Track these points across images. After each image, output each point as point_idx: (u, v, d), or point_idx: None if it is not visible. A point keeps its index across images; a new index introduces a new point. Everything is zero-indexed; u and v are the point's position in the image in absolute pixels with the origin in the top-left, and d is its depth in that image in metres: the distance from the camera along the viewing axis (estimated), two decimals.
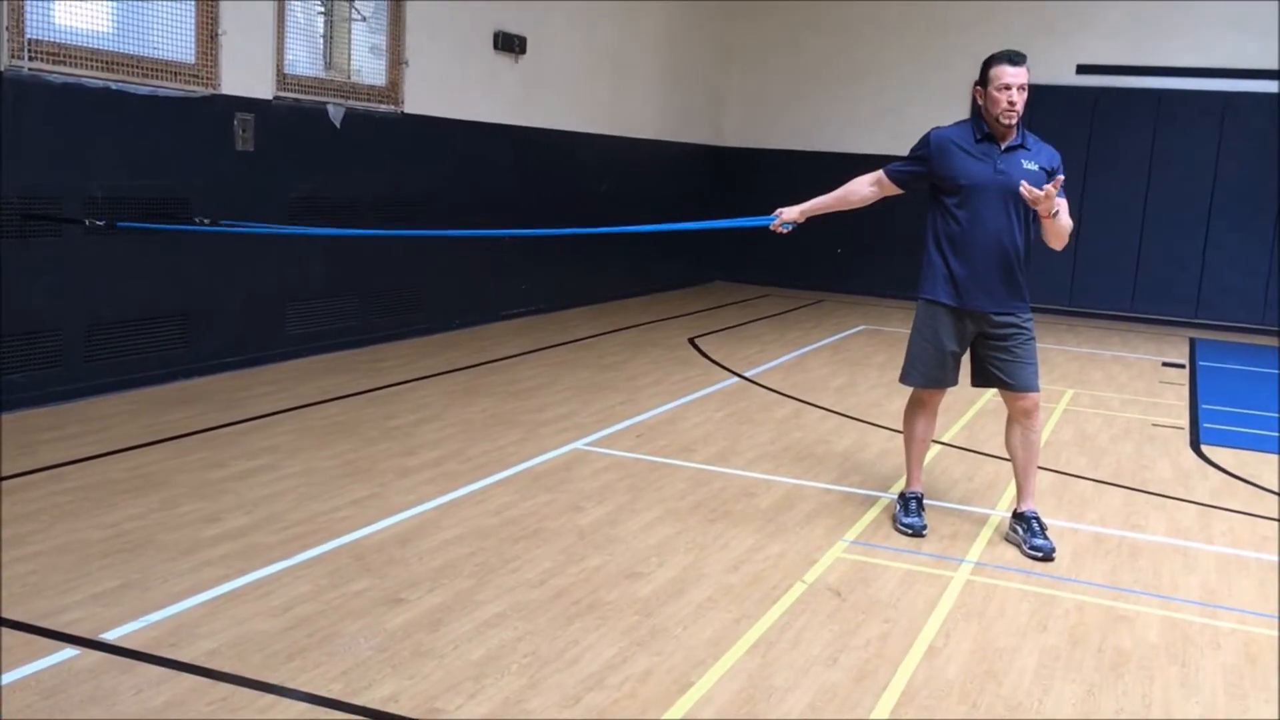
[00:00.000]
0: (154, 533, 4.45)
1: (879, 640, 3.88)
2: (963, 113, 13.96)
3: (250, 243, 7.54)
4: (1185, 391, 9.01)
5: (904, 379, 5.11)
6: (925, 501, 5.23)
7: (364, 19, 8.79)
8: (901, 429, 5.36)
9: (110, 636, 3.53)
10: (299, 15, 8.13)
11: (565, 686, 3.41)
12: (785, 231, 5.17)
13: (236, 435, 6.00)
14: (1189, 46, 13.10)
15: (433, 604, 3.95)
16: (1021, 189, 4.57)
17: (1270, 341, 12.47)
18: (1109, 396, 8.59)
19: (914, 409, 5.16)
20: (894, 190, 5.04)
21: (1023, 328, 4.86)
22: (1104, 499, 5.80)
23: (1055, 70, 13.37)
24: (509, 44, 10.19)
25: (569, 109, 11.36)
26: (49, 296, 6.31)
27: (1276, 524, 5.50)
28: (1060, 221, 4.64)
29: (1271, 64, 12.79)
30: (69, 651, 3.42)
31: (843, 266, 14.51)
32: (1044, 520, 4.95)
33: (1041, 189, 4.54)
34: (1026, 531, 4.85)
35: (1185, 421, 7.80)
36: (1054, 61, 13.35)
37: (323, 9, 8.50)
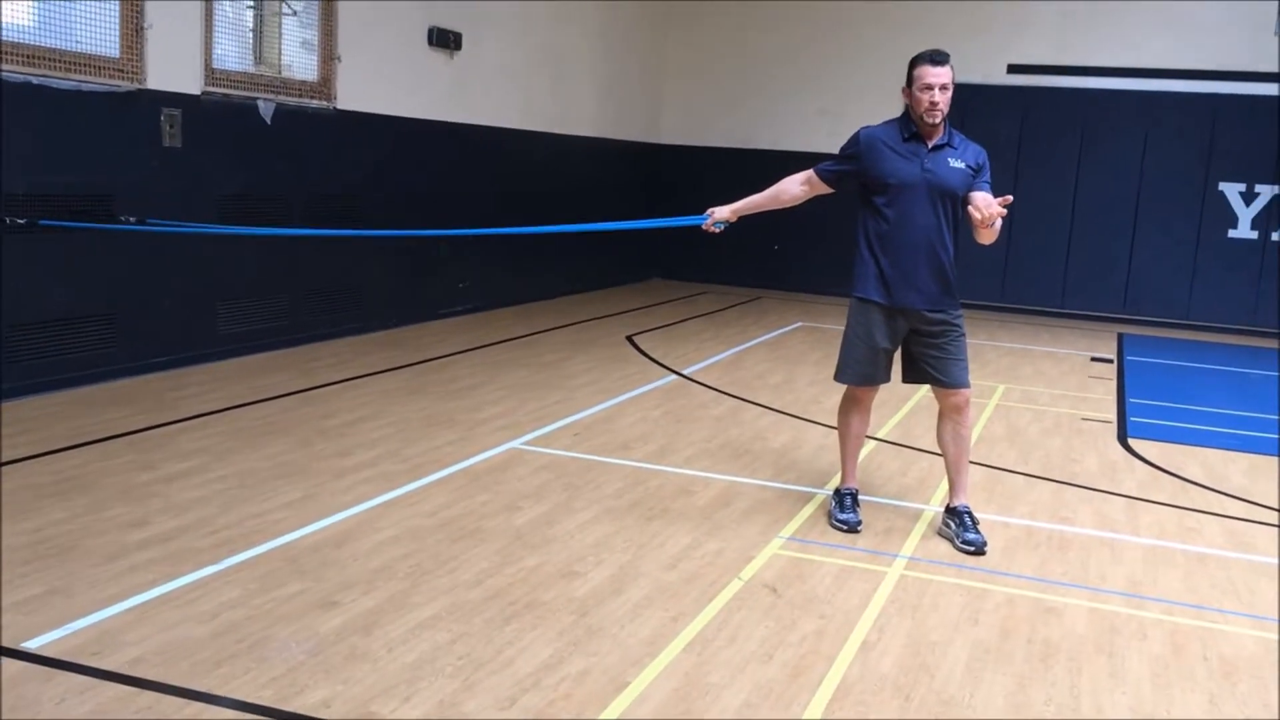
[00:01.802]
0: (79, 538, 4.36)
1: (814, 636, 3.90)
2: (896, 113, 14.14)
3: (179, 240, 7.41)
4: (1113, 386, 9.18)
5: (838, 377, 5.14)
6: (860, 497, 5.27)
7: (295, 13, 8.67)
8: (837, 426, 5.41)
9: (32, 645, 3.44)
10: (228, 10, 8.00)
11: (500, 688, 3.39)
12: (717, 231, 5.19)
13: (166, 437, 5.89)
14: (1119, 47, 13.35)
15: (367, 607, 3.91)
16: (971, 211, 4.64)
17: (1194, 336, 12.76)
18: (1039, 391, 8.73)
19: (848, 406, 5.21)
20: (824, 189, 5.08)
21: (954, 325, 4.92)
22: (1034, 493, 5.89)
23: (987, 70, 13.56)
24: (444, 40, 10.11)
25: (505, 106, 11.30)
26: None
27: (1206, 515, 5.62)
28: (995, 225, 4.69)
29: (1198, 64, 13.08)
30: None
31: (780, 264, 14.59)
32: (976, 515, 5.01)
33: (985, 207, 4.60)
34: (959, 526, 4.91)
35: (1113, 416, 7.95)
36: (986, 61, 13.53)
37: (252, 3, 8.37)
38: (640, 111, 14.60)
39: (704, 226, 5.18)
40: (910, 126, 4.84)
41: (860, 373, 5.03)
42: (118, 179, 6.98)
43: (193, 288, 7.63)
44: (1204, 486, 6.16)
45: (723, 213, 5.12)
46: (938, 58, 4.76)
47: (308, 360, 8.11)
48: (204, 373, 7.45)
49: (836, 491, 5.24)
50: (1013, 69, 13.65)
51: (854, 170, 4.94)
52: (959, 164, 4.81)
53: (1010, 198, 4.72)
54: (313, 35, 8.78)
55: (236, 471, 5.36)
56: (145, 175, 7.17)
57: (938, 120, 4.76)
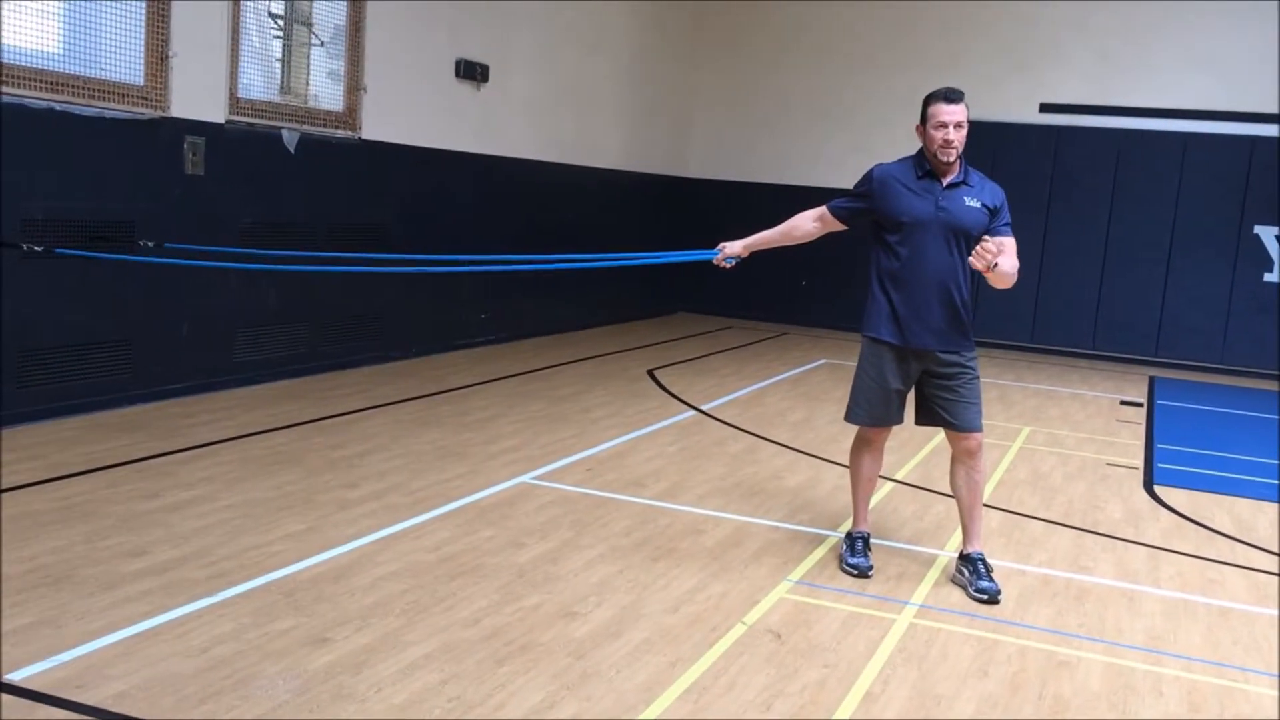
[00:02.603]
0: (75, 567, 4.31)
1: (816, 686, 3.79)
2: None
3: (197, 268, 7.41)
4: (1142, 431, 9.00)
5: (849, 417, 5.05)
6: (873, 541, 5.16)
7: (322, 44, 8.71)
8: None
9: (15, 677, 3.39)
10: (255, 39, 8.05)
11: None
12: (728, 266, 5.13)
13: (174, 465, 5.86)
14: (1151, 87, 13.22)
15: (359, 644, 3.84)
16: (972, 260, 4.51)
17: (1228, 381, 12.52)
18: (1065, 435, 8.57)
19: (859, 447, 5.10)
20: (837, 226, 5.00)
21: (967, 367, 4.81)
22: (1053, 540, 5.74)
23: (1019, 108, 13.47)
24: (471, 72, 10.14)
25: (531, 138, 11.32)
26: None
27: (1230, 568, 5.46)
28: (1001, 269, 4.52)
29: (1232, 106, 12.92)
30: None
31: (807, 299, 14.50)
32: (990, 562, 4.89)
33: (980, 247, 4.45)
34: (972, 573, 4.78)
35: (1140, 461, 7.78)
36: (1018, 100, 13.45)
37: (280, 33, 8.42)
38: (667, 145, 14.60)
39: (715, 261, 5.13)
40: (924, 164, 4.76)
41: (871, 413, 4.93)
42: (140, 206, 7.00)
43: (211, 315, 7.64)
44: (1230, 537, 5.99)
45: (734, 248, 5.07)
46: (952, 95, 4.69)
47: (324, 389, 8.09)
48: (219, 400, 7.44)
49: (848, 535, 5.12)
50: (1045, 108, 13.54)
51: (867, 208, 4.86)
52: (975, 203, 4.72)
53: (1004, 241, 4.56)
54: (339, 66, 8.82)
55: (242, 501, 5.31)
56: (167, 203, 7.19)
57: (951, 159, 4.68)
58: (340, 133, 8.74)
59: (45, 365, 6.52)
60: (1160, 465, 7.66)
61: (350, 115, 8.84)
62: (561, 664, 3.80)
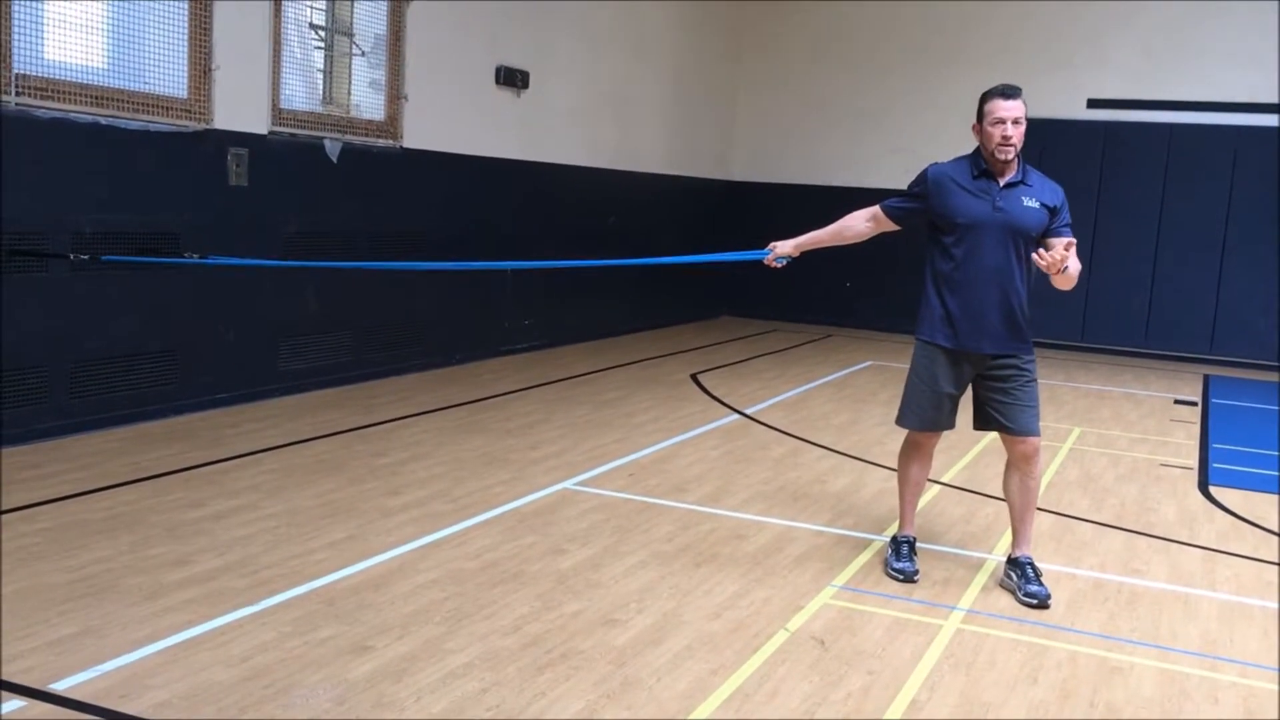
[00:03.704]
0: (120, 576, 4.35)
1: (860, 693, 3.73)
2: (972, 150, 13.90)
3: (242, 278, 7.49)
4: (1196, 430, 8.82)
5: (900, 421, 4.96)
6: (919, 545, 5.08)
7: (363, 54, 8.77)
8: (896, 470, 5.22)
9: (59, 687, 3.41)
10: (296, 50, 8.11)
11: None
12: (779, 266, 5.05)
13: (218, 474, 5.90)
14: (1200, 81, 12.97)
15: (400, 652, 3.83)
16: (1036, 258, 4.43)
17: None
18: (1117, 435, 8.41)
19: (908, 451, 5.01)
20: (890, 226, 4.92)
21: (1023, 369, 4.70)
22: (1105, 542, 5.63)
23: (1066, 105, 13.28)
24: (511, 79, 10.16)
25: (573, 144, 11.32)
26: (34, 332, 6.24)
27: (1278, 568, 5.33)
28: (1069, 271, 4.43)
29: None
30: (16, 703, 3.31)
31: (852, 301, 14.39)
32: (1039, 566, 4.79)
33: (1050, 251, 4.37)
34: (1020, 578, 4.69)
35: (1194, 461, 7.62)
36: (1065, 97, 13.26)
37: (321, 44, 8.49)
38: (710, 148, 14.55)
39: (766, 261, 5.04)
40: (981, 163, 4.65)
41: (923, 418, 4.85)
42: (184, 218, 7.07)
43: (255, 324, 7.70)
44: None
45: (785, 248, 4.98)
46: (1009, 91, 4.57)
47: (368, 397, 8.13)
48: (264, 409, 7.49)
49: (894, 539, 5.05)
50: (1093, 104, 13.34)
51: (921, 208, 4.78)
52: (1033, 203, 4.60)
53: (1073, 241, 4.50)
54: (380, 75, 8.87)
55: (285, 509, 5.34)
56: (212, 214, 7.26)
57: (1010, 156, 4.56)
58: (382, 142, 8.78)
59: (93, 376, 6.60)
60: (1215, 465, 7.50)
61: (392, 124, 8.88)
62: (602, 671, 3.77)
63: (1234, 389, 11.21)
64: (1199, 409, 9.83)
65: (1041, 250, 4.45)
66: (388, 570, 4.62)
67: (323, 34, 8.49)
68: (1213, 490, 6.81)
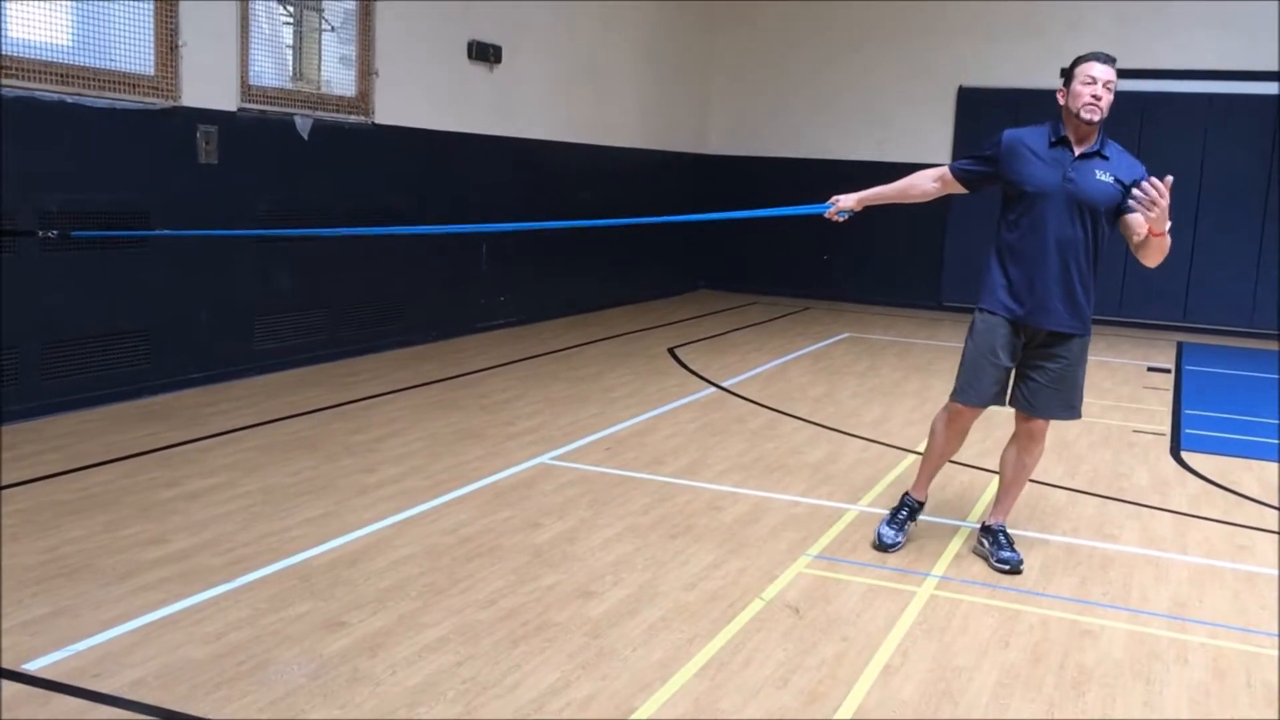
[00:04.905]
0: (93, 556, 4.33)
1: (834, 660, 3.75)
2: (947, 120, 13.92)
3: (216, 256, 7.44)
4: (1169, 397, 8.89)
5: (957, 396, 4.71)
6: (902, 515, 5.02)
7: (333, 29, 8.69)
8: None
9: (31, 667, 3.40)
10: (264, 26, 8.03)
11: (503, 713, 3.29)
12: (841, 220, 4.90)
13: (195, 453, 5.88)
14: (1174, 48, 13.00)
15: (374, 628, 3.83)
16: (1135, 196, 4.21)
17: (1257, 345, 12.35)
18: (1090, 403, 8.39)
19: (947, 421, 4.82)
20: (958, 188, 4.77)
21: (1067, 355, 4.57)
22: (1078, 508, 5.68)
23: (1038, 74, 13.26)
24: (484, 53, 10.09)
25: (547, 118, 11.26)
26: (4, 313, 6.18)
27: (1259, 533, 5.38)
28: (1165, 240, 4.30)
29: (1257, 65, 12.70)
30: None
31: (829, 273, 14.40)
32: (1011, 533, 4.83)
33: (1147, 195, 4.13)
34: (993, 544, 4.73)
35: (1167, 428, 7.68)
36: (1036, 65, 13.24)
37: (290, 19, 8.40)
38: (687, 121, 14.50)
39: (827, 215, 4.90)
40: (1060, 129, 4.47)
41: (981, 393, 4.64)
42: (154, 196, 7.02)
43: (229, 303, 7.65)
44: (1259, 502, 5.91)
45: (848, 201, 4.85)
46: (1105, 58, 4.43)
47: (345, 375, 8.10)
48: (240, 388, 7.46)
49: (903, 497, 4.96)
50: (1065, 74, 13.33)
51: (991, 172, 4.62)
52: (1107, 177, 4.41)
53: (1170, 179, 4.22)
54: (350, 50, 8.80)
55: (260, 488, 5.33)
56: (182, 192, 7.20)
57: (1096, 119, 4.36)
58: (353, 118, 8.72)
59: (66, 357, 6.55)
60: (1188, 431, 7.56)
61: (363, 100, 8.82)
62: (577, 643, 3.79)
63: (1207, 355, 11.30)
64: (1171, 376, 9.90)
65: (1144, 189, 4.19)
66: (363, 546, 4.62)
67: (291, 9, 8.41)
68: (1185, 455, 6.87)
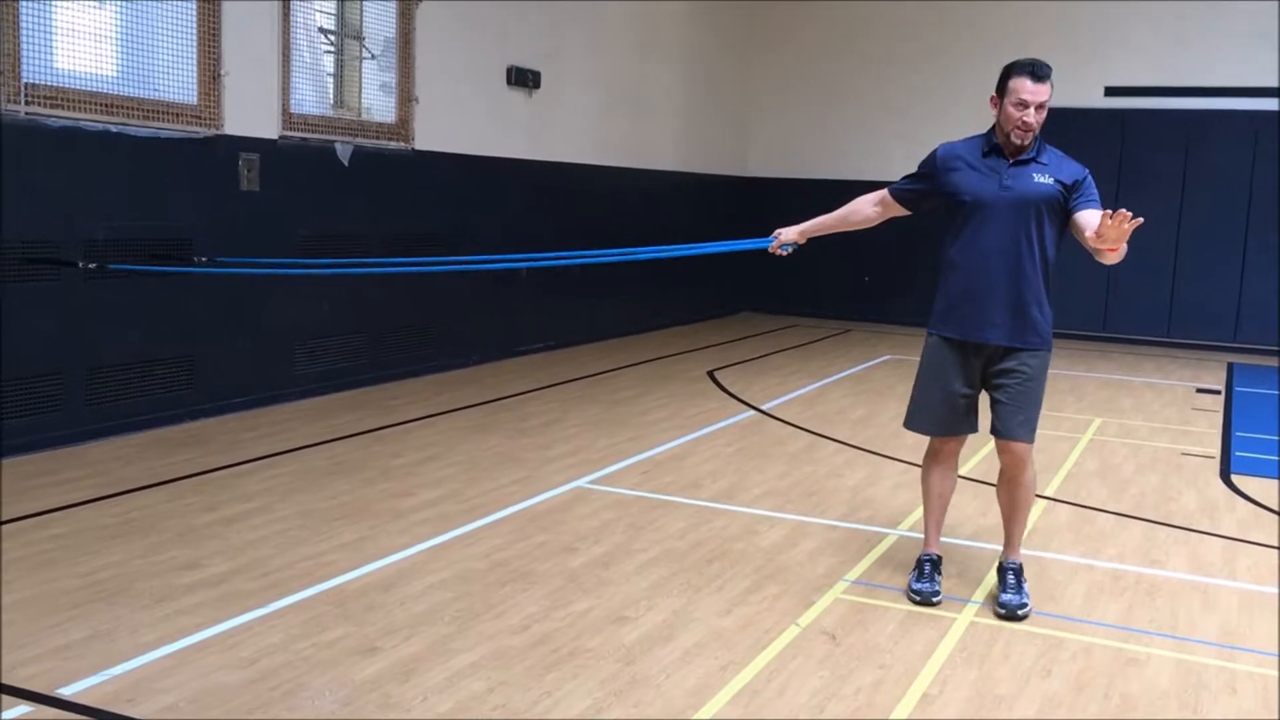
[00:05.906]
0: (131, 580, 4.36)
1: (871, 688, 3.69)
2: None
3: (256, 283, 7.51)
4: (1219, 419, 8.72)
5: (908, 424, 4.62)
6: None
7: (373, 56, 8.78)
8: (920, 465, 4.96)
9: (67, 692, 3.42)
10: (305, 54, 8.12)
11: None
12: (784, 254, 4.84)
13: (233, 478, 5.92)
14: (1219, 65, 12.83)
15: (407, 653, 3.82)
16: (1089, 234, 4.06)
17: None
18: (1138, 425, 8.32)
19: (928, 460, 4.65)
20: (899, 210, 4.67)
21: (1023, 369, 4.34)
22: (1124, 533, 5.56)
23: (1083, 92, 13.15)
24: (522, 79, 10.15)
25: (586, 142, 11.30)
26: (49, 340, 6.28)
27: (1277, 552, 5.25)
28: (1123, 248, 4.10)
29: None
30: (23, 708, 3.32)
31: (870, 295, 14.31)
32: (1055, 558, 4.73)
33: (1107, 214, 3.91)
34: (999, 584, 4.51)
35: (1216, 450, 7.53)
36: (1082, 83, 13.13)
37: (331, 48, 8.50)
38: (726, 144, 14.50)
39: (770, 249, 4.83)
40: (992, 140, 4.35)
41: (931, 419, 4.52)
42: (196, 223, 7.10)
43: (270, 329, 7.72)
44: None
45: (790, 234, 4.77)
46: (1039, 71, 4.24)
47: (383, 399, 8.13)
48: (280, 413, 7.51)
49: (918, 558, 4.71)
50: (1110, 91, 13.22)
51: (930, 189, 4.51)
52: (1046, 179, 4.26)
53: (1107, 211, 3.99)
54: (390, 78, 8.88)
55: (297, 512, 5.34)
56: (224, 219, 7.28)
57: (1026, 143, 4.26)
58: (393, 144, 8.79)
59: (109, 383, 6.63)
60: (1238, 454, 7.40)
61: (403, 127, 8.89)
62: (610, 670, 3.75)
63: (1259, 376, 11.08)
64: (1221, 397, 9.72)
65: (1093, 221, 4.07)
66: (398, 571, 4.62)
67: (332, 38, 8.51)
68: (1235, 479, 6.72)
